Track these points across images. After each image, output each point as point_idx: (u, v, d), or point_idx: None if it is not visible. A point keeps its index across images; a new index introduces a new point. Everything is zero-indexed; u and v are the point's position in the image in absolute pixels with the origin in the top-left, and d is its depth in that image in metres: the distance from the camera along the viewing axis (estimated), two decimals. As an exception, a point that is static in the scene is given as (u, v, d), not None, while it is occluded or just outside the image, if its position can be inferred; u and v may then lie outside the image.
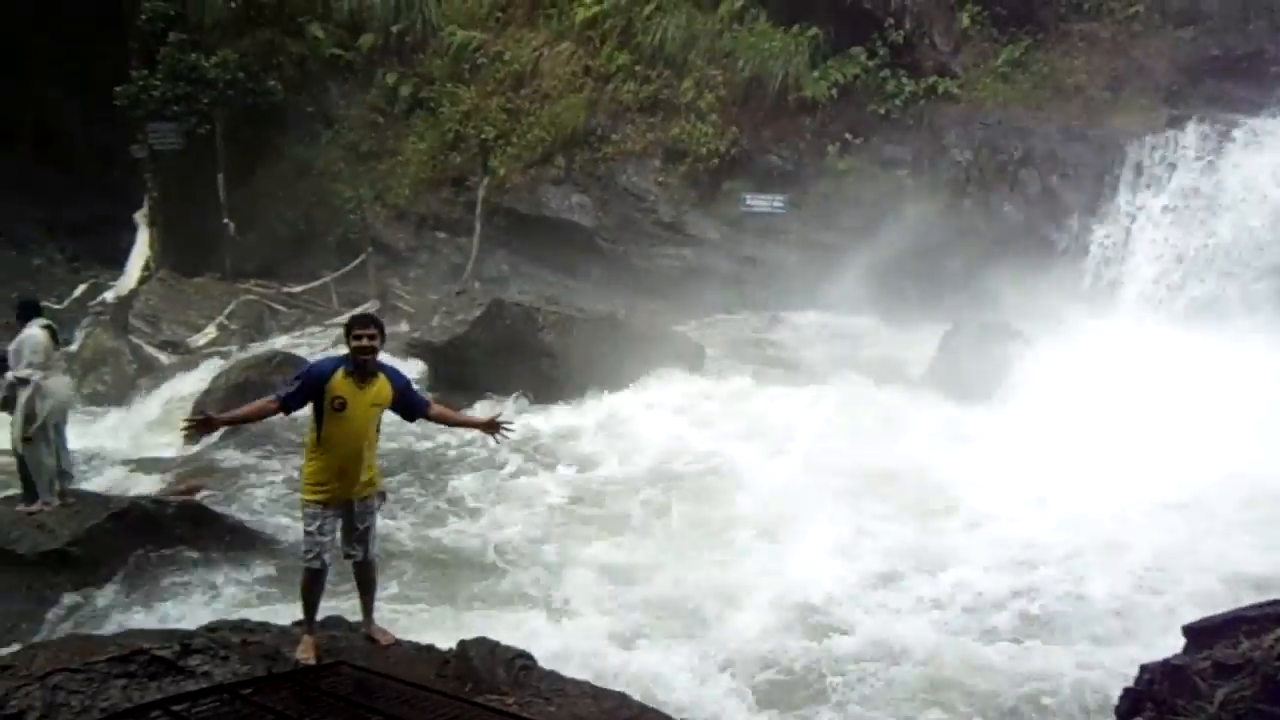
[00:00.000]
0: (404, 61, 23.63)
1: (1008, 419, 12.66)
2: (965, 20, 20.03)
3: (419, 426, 8.75)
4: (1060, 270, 17.47)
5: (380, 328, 6.23)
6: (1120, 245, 17.52)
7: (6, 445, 10.45)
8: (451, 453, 12.71)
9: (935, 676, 7.53)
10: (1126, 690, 4.79)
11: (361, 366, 6.15)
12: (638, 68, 21.62)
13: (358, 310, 6.69)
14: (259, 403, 6.42)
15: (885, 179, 20.00)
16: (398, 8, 23.24)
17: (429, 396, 6.71)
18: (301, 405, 6.15)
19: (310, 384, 6.11)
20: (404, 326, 18.45)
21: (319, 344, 18.77)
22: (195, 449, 12.94)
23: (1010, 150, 18.77)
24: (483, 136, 22.03)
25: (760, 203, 20.78)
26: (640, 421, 13.77)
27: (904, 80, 20.02)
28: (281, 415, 6.32)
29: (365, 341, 6.11)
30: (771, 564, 9.42)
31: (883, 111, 20.14)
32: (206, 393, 14.63)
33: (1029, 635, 8.14)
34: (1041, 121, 18.90)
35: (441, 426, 9.04)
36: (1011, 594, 8.75)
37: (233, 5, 22.31)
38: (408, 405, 6.42)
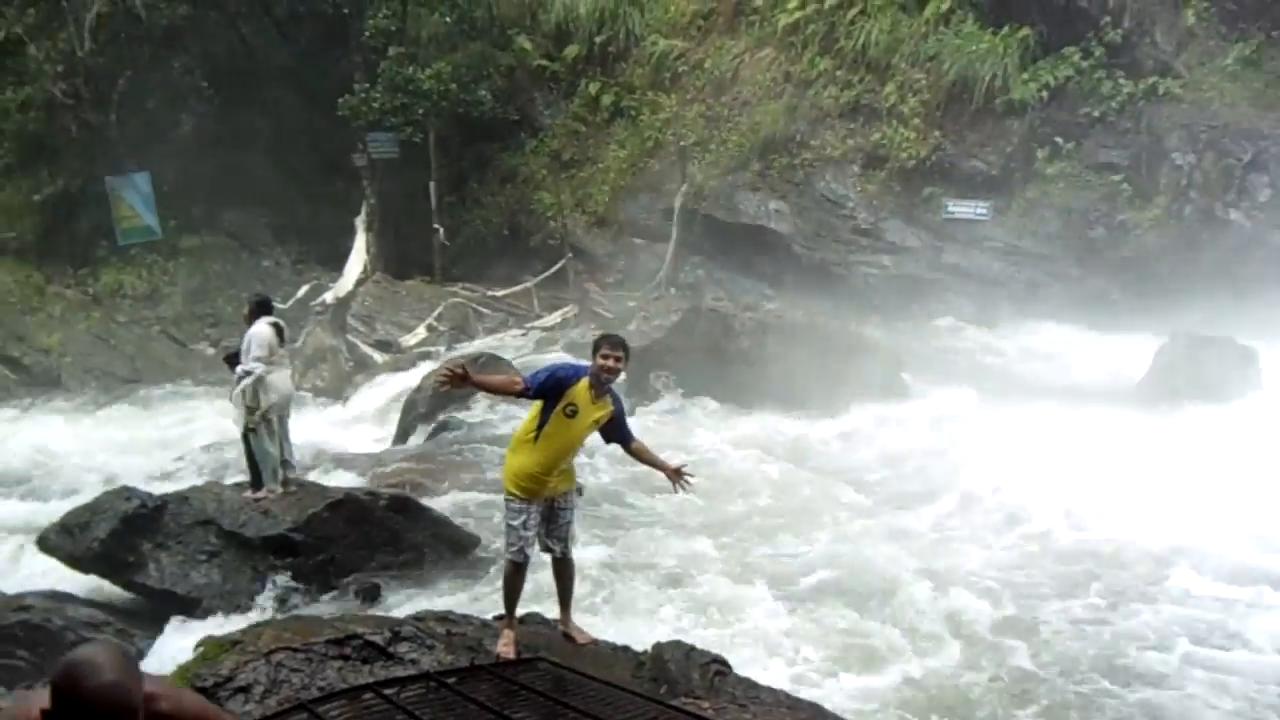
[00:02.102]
0: (606, 71, 24.15)
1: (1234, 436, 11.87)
2: (1190, 17, 18.95)
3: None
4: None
5: (627, 352, 6.44)
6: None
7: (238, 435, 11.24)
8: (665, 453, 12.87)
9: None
10: None
11: (601, 384, 6.37)
12: (839, 73, 21.40)
13: (611, 332, 6.88)
14: (506, 378, 6.90)
15: (1098, 184, 19.15)
16: (602, 19, 23.77)
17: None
18: (538, 397, 6.41)
19: (558, 383, 6.35)
20: (598, 332, 18.80)
21: (520, 346, 19.38)
22: (406, 446, 13.58)
23: (1238, 154, 17.65)
24: (682, 143, 22.25)
25: (963, 209, 20.22)
26: (838, 433, 13.58)
27: (1121, 81, 19.11)
28: (518, 399, 6.68)
29: (612, 363, 6.33)
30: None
31: (1097, 114, 19.28)
32: (417, 390, 15.33)
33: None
34: (1274, 124, 17.70)
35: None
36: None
37: (447, 20, 23.30)
38: (617, 431, 6.62)
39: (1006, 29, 19.67)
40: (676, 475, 6.61)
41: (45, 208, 24.85)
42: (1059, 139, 19.52)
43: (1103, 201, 18.99)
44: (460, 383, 6.26)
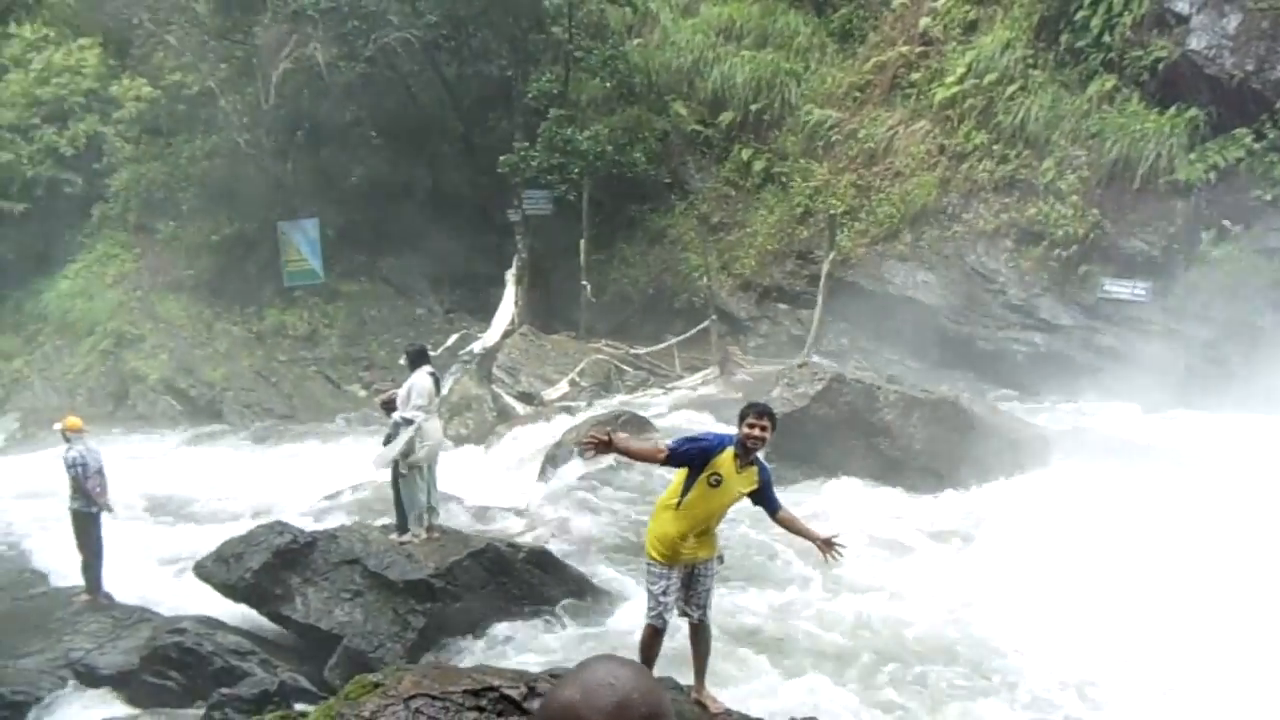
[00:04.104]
0: (760, 138, 24.40)
1: None
2: (1375, 100, 18.17)
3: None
4: None
5: (774, 421, 6.47)
6: None
7: (386, 478, 11.63)
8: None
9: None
10: None
11: (746, 453, 6.41)
12: (995, 147, 21.13)
13: (758, 400, 6.93)
14: (650, 446, 6.94)
15: (1269, 269, 18.35)
16: (758, 88, 24.09)
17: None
18: (682, 465, 6.48)
19: (703, 452, 6.43)
20: (740, 395, 18.83)
21: (661, 405, 19.49)
22: (545, 500, 13.82)
23: None
24: (831, 211, 22.26)
25: (1120, 289, 19.61)
26: (984, 511, 13.23)
27: (1296, 164, 18.38)
28: (658, 466, 6.78)
29: (758, 432, 6.39)
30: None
31: (1269, 198, 18.52)
32: (558, 444, 15.59)
33: None
34: None
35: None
36: None
37: (607, 86, 23.97)
38: (764, 500, 6.64)
39: (1174, 109, 19.16)
40: (827, 546, 6.57)
41: (220, 248, 26.40)
42: (1226, 221, 18.82)
43: (1272, 288, 18.19)
44: (605, 449, 6.34)
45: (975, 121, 21.54)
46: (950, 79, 21.97)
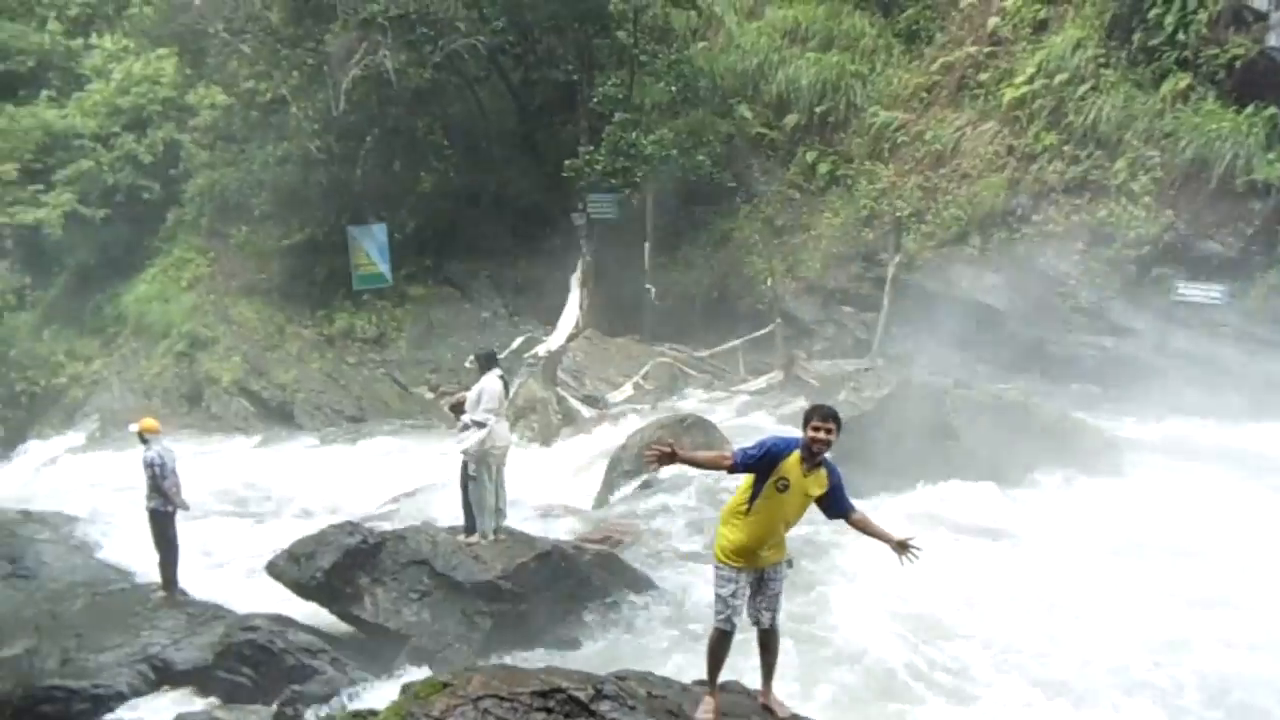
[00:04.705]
0: (825, 140, 24.28)
1: None
2: None
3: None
4: None
5: (839, 423, 6.41)
6: None
7: (455, 480, 11.75)
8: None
9: None
10: None
11: (812, 456, 6.38)
12: (1066, 148, 20.81)
13: (822, 403, 6.86)
14: (715, 454, 7.03)
15: (1351, 272, 17.88)
16: (823, 90, 23.98)
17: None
18: (748, 471, 6.47)
19: (769, 458, 6.39)
20: (805, 398, 18.73)
21: (724, 408, 19.48)
22: (610, 503, 13.88)
23: None
24: (897, 214, 22.08)
25: (1195, 292, 19.19)
26: (1054, 518, 13.04)
27: (1380, 164, 17.87)
28: (724, 473, 6.78)
29: (823, 435, 6.32)
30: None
31: (1352, 198, 18.06)
32: (622, 447, 15.63)
33: None
34: None
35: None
36: None
37: (672, 89, 24.00)
38: (835, 503, 6.57)
39: (1251, 108, 18.72)
40: (902, 548, 6.50)
41: (291, 253, 26.88)
42: (1307, 222, 18.37)
43: (1356, 290, 17.73)
44: (669, 460, 6.34)
45: (1045, 122, 21.25)
46: (1019, 79, 21.70)
